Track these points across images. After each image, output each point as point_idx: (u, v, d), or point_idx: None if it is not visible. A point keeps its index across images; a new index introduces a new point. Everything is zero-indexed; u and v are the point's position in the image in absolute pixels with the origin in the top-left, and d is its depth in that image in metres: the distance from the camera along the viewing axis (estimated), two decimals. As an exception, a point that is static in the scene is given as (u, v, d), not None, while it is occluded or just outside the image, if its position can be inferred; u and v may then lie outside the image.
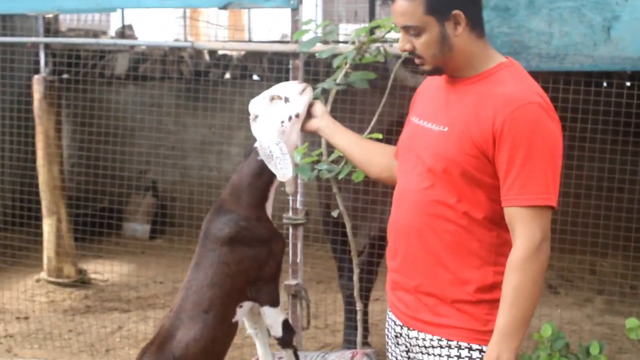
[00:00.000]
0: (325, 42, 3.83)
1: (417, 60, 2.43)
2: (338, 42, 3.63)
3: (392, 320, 2.58)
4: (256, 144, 2.99)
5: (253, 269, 3.06)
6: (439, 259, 2.39)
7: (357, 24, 9.45)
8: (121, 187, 7.28)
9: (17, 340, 5.54)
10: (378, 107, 3.80)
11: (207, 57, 8.56)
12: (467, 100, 2.35)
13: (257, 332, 3.30)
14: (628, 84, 7.27)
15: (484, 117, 2.28)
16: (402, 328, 2.52)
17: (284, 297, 4.37)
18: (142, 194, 8.63)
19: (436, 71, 2.44)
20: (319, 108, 2.90)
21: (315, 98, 3.58)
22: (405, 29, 2.38)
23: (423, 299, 2.44)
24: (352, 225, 3.91)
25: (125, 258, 7.46)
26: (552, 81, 5.02)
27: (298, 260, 4.18)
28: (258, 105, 2.96)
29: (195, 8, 8.34)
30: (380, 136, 3.37)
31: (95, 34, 8.99)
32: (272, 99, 2.93)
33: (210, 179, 8.37)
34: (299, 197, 4.14)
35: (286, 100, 2.91)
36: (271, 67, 7.82)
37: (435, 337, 2.41)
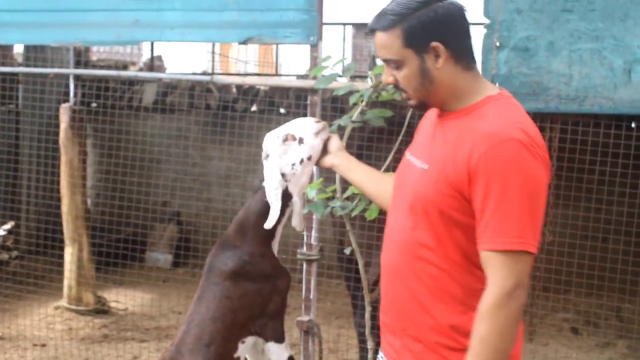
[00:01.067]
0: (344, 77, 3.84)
1: (403, 95, 2.35)
2: (356, 77, 3.63)
3: None
4: (264, 183, 2.98)
5: (256, 304, 3.05)
6: (422, 304, 2.29)
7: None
8: (145, 217, 7.32)
9: (33, 367, 5.56)
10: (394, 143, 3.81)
11: (234, 89, 8.62)
12: (449, 136, 2.26)
13: None
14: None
15: (461, 154, 2.16)
16: None
17: (296, 333, 4.36)
18: (165, 224, 8.66)
19: (422, 105, 2.36)
20: (335, 144, 2.84)
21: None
22: (387, 62, 2.31)
23: (408, 344, 2.34)
24: (365, 261, 3.89)
25: (147, 287, 7.48)
26: (575, 123, 5.01)
27: (311, 297, 4.15)
28: (270, 143, 2.93)
29: (217, 42, 8.39)
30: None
31: (125, 65, 9.10)
32: (286, 139, 2.89)
33: (233, 211, 8.36)
34: (313, 233, 4.13)
35: (300, 141, 2.87)
36: (298, 103, 7.85)
37: None
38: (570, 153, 5.56)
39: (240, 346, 3.03)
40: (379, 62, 3.59)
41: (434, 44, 2.22)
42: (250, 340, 3.07)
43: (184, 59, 9.69)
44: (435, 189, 2.22)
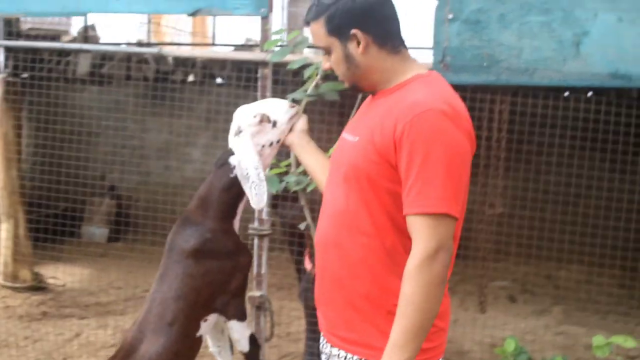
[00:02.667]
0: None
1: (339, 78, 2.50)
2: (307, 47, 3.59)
3: (323, 337, 2.54)
4: (232, 159, 2.92)
5: (219, 282, 3.01)
6: (353, 272, 2.34)
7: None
8: (81, 191, 7.19)
9: (-29, 347, 5.42)
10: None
11: (170, 59, 8.47)
12: (378, 110, 2.34)
13: (220, 350, 3.23)
14: (589, 94, 7.34)
15: (387, 125, 2.24)
16: (325, 345, 2.49)
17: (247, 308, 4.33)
18: (102, 198, 8.52)
19: (354, 88, 2.47)
20: (301, 123, 2.86)
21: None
22: (320, 49, 2.46)
23: (341, 314, 2.39)
24: (306, 235, 3.87)
25: (84, 263, 7.37)
26: (516, 94, 5.06)
27: (262, 272, 4.13)
28: (245, 120, 2.88)
29: (165, 14, 8.23)
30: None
31: (57, 35, 8.85)
32: (262, 120, 2.86)
33: (172, 185, 8.30)
34: (264, 208, 4.09)
35: (274, 124, 2.85)
36: (239, 75, 7.77)
37: (356, 357, 2.36)
38: (509, 124, 5.63)
39: (203, 325, 2.99)
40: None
41: (354, 31, 2.35)
42: (212, 318, 3.03)
43: (118, 28, 9.47)
44: (364, 158, 2.29)
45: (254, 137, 2.85)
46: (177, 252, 2.98)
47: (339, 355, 2.41)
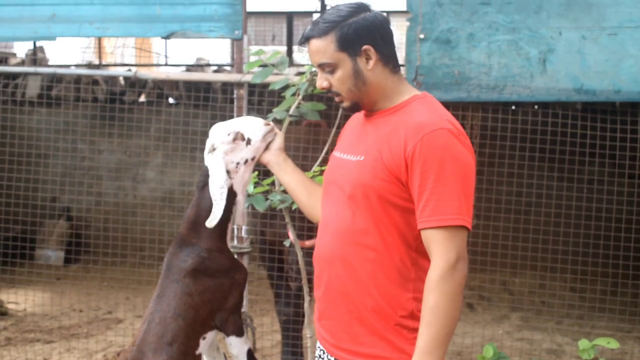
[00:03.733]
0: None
1: (336, 98, 2.52)
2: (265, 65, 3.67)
3: (321, 350, 2.62)
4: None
5: (216, 299, 3.06)
6: (361, 287, 2.43)
7: (275, 46, 9.53)
8: (34, 214, 7.12)
9: (-63, 376, 5.34)
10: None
11: (121, 80, 8.46)
12: (381, 130, 2.44)
13: None
14: (535, 107, 7.57)
15: (396, 144, 2.34)
16: (330, 358, 2.55)
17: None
18: (55, 220, 8.44)
19: (354, 106, 2.51)
20: (277, 142, 2.90)
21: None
22: (321, 66, 2.48)
23: (347, 328, 2.48)
24: (285, 251, 3.92)
25: (40, 287, 7.30)
26: (464, 109, 5.20)
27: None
28: (219, 138, 2.92)
29: (138, 37, 8.22)
30: (312, 174, 3.45)
31: (4, 57, 8.76)
32: (236, 139, 2.91)
33: (125, 204, 8.27)
34: (243, 226, 4.15)
35: (248, 142, 2.90)
36: (188, 94, 7.80)
37: None
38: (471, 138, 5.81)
39: (202, 342, 3.04)
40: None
41: (365, 47, 2.43)
42: (210, 335, 3.08)
43: (65, 50, 9.41)
44: (373, 175, 2.39)
45: (228, 155, 2.90)
46: (175, 272, 3.01)
47: None
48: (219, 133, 2.94)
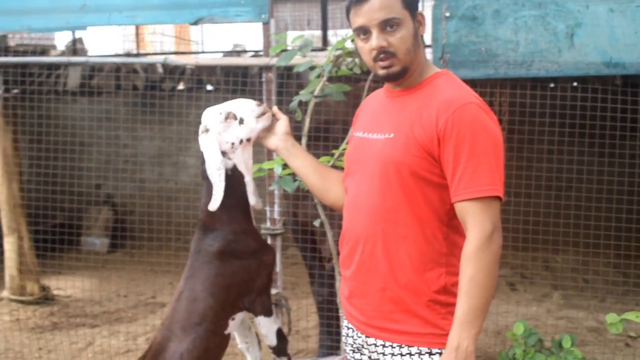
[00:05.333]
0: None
1: (386, 62, 2.47)
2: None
3: (350, 329, 2.64)
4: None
5: (245, 281, 3.09)
6: (394, 264, 2.45)
7: (312, 30, 9.52)
8: (78, 202, 7.25)
9: (-14, 361, 5.49)
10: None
11: (160, 69, 8.55)
12: (409, 106, 2.46)
13: (249, 346, 3.32)
14: (574, 84, 7.49)
15: (427, 120, 2.38)
16: (359, 336, 2.58)
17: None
18: (99, 207, 8.59)
19: (403, 71, 2.48)
20: (282, 126, 2.90)
21: (292, 110, 3.68)
22: (384, 24, 2.43)
23: (379, 306, 2.50)
24: (319, 232, 3.94)
25: (86, 273, 7.43)
26: (501, 86, 5.17)
27: (277, 270, 4.24)
28: (211, 118, 2.93)
29: (167, 24, 8.31)
30: (326, 160, 3.47)
31: (45, 49, 8.91)
32: (227, 117, 2.92)
33: (166, 191, 8.38)
34: (275, 208, 4.20)
35: (241, 121, 2.92)
36: (226, 79, 7.85)
37: (395, 344, 2.47)
38: (500, 115, 5.76)
39: (231, 323, 3.08)
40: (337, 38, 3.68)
41: (419, 12, 2.49)
42: (239, 316, 3.12)
43: (104, 40, 9.53)
44: (405, 152, 2.41)
45: (222, 135, 2.91)
46: (204, 255, 3.05)
47: (375, 344, 2.52)
48: (211, 114, 2.94)
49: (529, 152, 6.44)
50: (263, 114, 2.94)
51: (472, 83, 2.61)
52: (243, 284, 3.08)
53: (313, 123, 4.02)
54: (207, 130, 2.93)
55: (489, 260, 2.29)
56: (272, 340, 3.20)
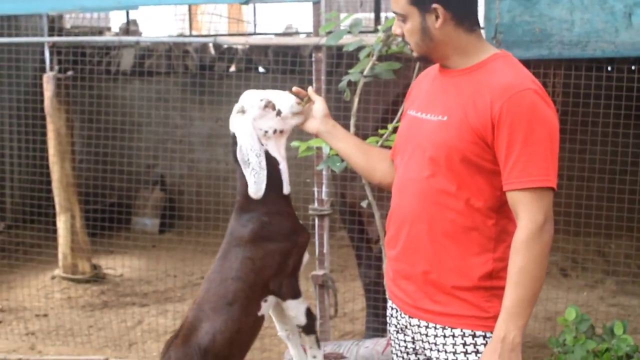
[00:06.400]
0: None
1: (408, 46, 2.53)
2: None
3: (394, 309, 2.62)
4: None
5: (277, 263, 3.06)
6: (440, 246, 2.43)
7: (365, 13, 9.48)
8: (129, 181, 7.31)
9: (38, 337, 5.58)
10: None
11: (212, 50, 8.58)
12: (464, 89, 2.40)
13: (288, 333, 3.29)
14: (632, 67, 7.32)
15: (482, 105, 2.32)
16: (403, 317, 2.56)
17: (311, 286, 4.43)
18: (150, 188, 8.67)
19: (423, 58, 2.53)
20: (321, 109, 2.84)
21: (341, 90, 3.65)
22: (396, 14, 2.49)
23: (423, 287, 2.47)
24: (366, 214, 3.91)
25: (136, 253, 7.50)
26: (555, 67, 5.06)
27: (325, 251, 4.22)
28: (250, 101, 2.90)
29: (220, 3, 8.32)
30: (374, 140, 3.44)
31: (100, 31, 9.00)
32: (267, 106, 2.88)
33: (218, 172, 8.41)
34: (323, 189, 4.18)
35: (278, 113, 2.88)
36: (276, 59, 7.85)
37: (439, 326, 2.45)
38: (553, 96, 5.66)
39: (263, 305, 3.05)
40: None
41: (435, 5, 2.40)
42: (272, 298, 3.10)
43: (157, 21, 9.61)
44: (457, 137, 2.36)
45: (257, 121, 2.87)
46: (237, 237, 3.04)
47: (419, 325, 2.50)
48: (251, 97, 2.91)
49: (583, 135, 6.30)
50: (299, 112, 2.91)
51: (525, 64, 2.54)
52: (276, 265, 3.05)
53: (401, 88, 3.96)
54: (243, 112, 2.92)
55: (539, 251, 2.27)
56: (302, 320, 3.15)
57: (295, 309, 3.13)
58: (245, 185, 2.98)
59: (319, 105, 2.84)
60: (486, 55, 2.44)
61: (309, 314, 3.18)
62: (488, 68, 2.40)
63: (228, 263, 3.04)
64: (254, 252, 3.02)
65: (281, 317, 3.23)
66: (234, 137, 2.95)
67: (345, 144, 2.81)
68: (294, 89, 2.89)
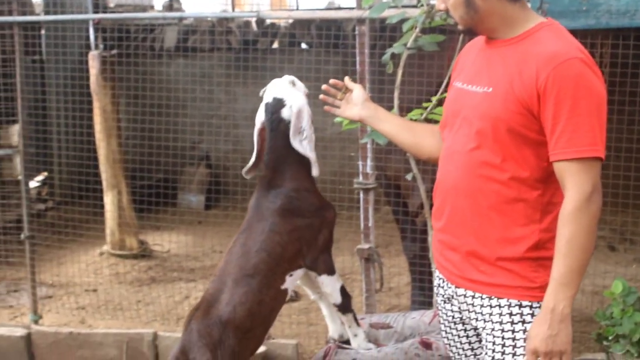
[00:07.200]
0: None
1: (453, 20, 2.53)
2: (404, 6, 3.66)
3: (441, 279, 2.63)
4: (285, 113, 3.05)
5: (305, 239, 3.09)
6: (485, 218, 2.43)
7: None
8: (175, 157, 7.37)
9: (88, 311, 5.67)
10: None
11: (254, 27, 8.59)
12: (509, 60, 2.39)
13: (321, 295, 3.33)
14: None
15: (528, 75, 2.31)
16: (450, 287, 2.57)
17: (356, 261, 4.44)
18: (195, 164, 8.73)
19: (469, 31, 2.52)
20: (359, 94, 2.86)
21: (385, 63, 3.63)
22: None
23: (470, 258, 2.48)
24: (408, 186, 3.89)
25: (182, 229, 7.57)
26: (603, 37, 4.96)
27: (370, 224, 4.22)
28: (294, 79, 3.14)
29: None
30: (419, 113, 3.43)
31: (144, 9, 9.05)
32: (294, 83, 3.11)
33: (262, 149, 8.41)
34: (368, 162, 4.18)
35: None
36: (319, 33, 7.83)
37: (485, 296, 2.45)
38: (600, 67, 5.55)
39: (288, 279, 3.08)
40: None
41: None
42: (298, 273, 3.12)
43: (200, 0, 9.62)
44: (504, 108, 2.35)
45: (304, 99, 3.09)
46: (264, 211, 3.05)
47: (465, 295, 2.51)
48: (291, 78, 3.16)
49: (631, 107, 6.19)
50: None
51: (571, 34, 2.50)
52: (304, 241, 3.08)
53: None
54: (294, 84, 2.98)
55: (587, 222, 2.26)
56: (337, 298, 3.18)
57: (330, 286, 3.15)
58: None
59: (358, 91, 2.86)
60: (532, 24, 2.42)
61: (344, 292, 3.20)
62: (534, 37, 2.38)
63: (253, 235, 3.05)
64: (281, 227, 3.04)
65: (311, 284, 3.26)
66: (275, 104, 3.00)
67: (390, 125, 2.83)
68: (331, 81, 2.90)
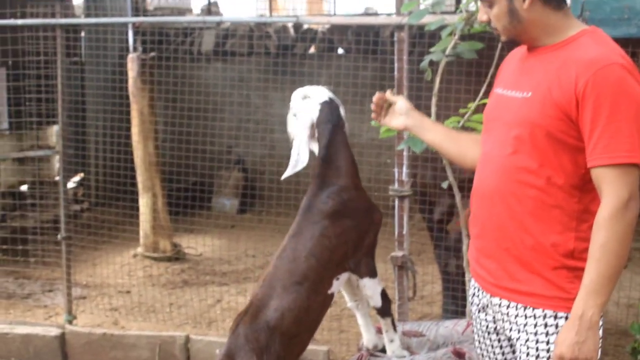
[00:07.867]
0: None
1: (495, 31, 2.52)
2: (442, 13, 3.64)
3: (476, 288, 2.61)
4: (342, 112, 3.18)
5: (353, 241, 3.08)
6: (521, 225, 2.40)
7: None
8: (211, 161, 7.40)
9: (121, 313, 5.70)
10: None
11: (292, 31, 8.60)
12: (550, 66, 2.37)
13: (358, 304, 3.31)
14: None
15: (567, 80, 2.28)
16: (484, 295, 2.55)
17: (389, 268, 4.42)
18: (230, 168, 8.76)
19: (512, 42, 2.51)
20: (403, 105, 2.85)
21: (423, 70, 3.61)
22: (482, 0, 2.48)
23: (505, 266, 2.45)
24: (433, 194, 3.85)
25: (216, 233, 7.59)
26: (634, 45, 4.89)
27: (404, 232, 4.20)
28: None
29: None
30: (458, 119, 3.41)
31: (182, 12, 9.12)
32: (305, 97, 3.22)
33: (297, 154, 8.41)
34: (404, 169, 4.15)
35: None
36: (357, 39, 7.82)
37: (520, 305, 2.42)
38: None
39: (335, 283, 3.08)
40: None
41: None
42: (344, 276, 3.12)
43: (238, 4, 9.68)
44: (542, 113, 2.33)
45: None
46: (314, 213, 3.06)
47: (500, 304, 2.48)
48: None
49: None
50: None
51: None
52: (351, 243, 3.07)
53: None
54: (307, 98, 3.15)
55: (623, 229, 2.22)
56: (377, 302, 3.17)
57: (372, 289, 3.15)
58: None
59: (401, 103, 2.85)
60: (574, 32, 2.40)
61: (385, 296, 3.19)
62: (575, 44, 2.37)
63: (302, 241, 3.06)
64: (331, 230, 3.04)
65: (351, 289, 3.25)
66: (332, 102, 3.15)
67: (434, 134, 2.82)
68: (375, 98, 2.88)
